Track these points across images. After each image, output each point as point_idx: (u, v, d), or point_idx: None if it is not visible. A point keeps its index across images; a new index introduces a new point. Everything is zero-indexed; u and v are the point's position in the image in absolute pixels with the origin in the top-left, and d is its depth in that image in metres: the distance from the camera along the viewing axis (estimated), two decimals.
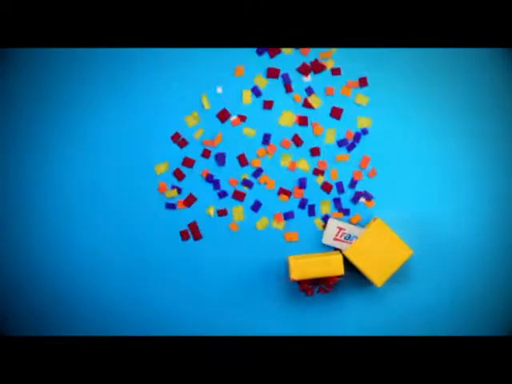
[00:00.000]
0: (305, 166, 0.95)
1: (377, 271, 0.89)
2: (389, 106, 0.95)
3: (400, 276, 0.95)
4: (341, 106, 0.95)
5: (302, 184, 0.95)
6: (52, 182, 0.96)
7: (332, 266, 0.88)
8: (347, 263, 0.93)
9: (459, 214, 0.95)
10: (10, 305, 0.96)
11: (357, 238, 0.90)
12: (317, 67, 0.93)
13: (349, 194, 0.95)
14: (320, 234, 0.95)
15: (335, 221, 0.93)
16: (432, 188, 0.95)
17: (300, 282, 0.92)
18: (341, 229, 0.93)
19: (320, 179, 0.95)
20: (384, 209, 0.95)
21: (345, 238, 0.93)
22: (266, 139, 0.94)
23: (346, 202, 0.95)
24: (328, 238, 0.94)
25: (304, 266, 0.89)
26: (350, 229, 0.93)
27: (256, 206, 0.95)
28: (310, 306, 0.95)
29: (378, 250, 0.89)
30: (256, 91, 0.94)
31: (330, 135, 0.95)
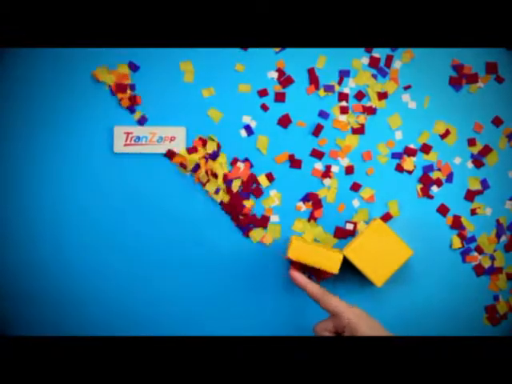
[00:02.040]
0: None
1: (377, 271, 0.89)
2: None
3: (400, 276, 0.95)
4: None
5: None
6: (51, 181, 0.96)
7: (329, 262, 0.88)
8: (348, 263, 0.93)
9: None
10: (10, 305, 0.96)
11: (147, 138, 0.87)
12: None
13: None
14: None
15: (121, 127, 0.93)
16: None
17: (292, 263, 0.92)
18: (128, 133, 0.92)
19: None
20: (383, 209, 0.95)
21: (135, 140, 0.92)
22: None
23: None
24: (118, 147, 0.93)
25: (303, 250, 0.88)
26: (138, 131, 0.92)
27: None
28: (308, 305, 0.95)
29: (378, 250, 0.89)
30: None
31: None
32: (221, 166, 0.92)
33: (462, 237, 0.94)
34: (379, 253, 0.89)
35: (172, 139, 0.95)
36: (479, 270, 0.94)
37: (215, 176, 0.91)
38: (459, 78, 0.94)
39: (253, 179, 0.94)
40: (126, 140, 0.94)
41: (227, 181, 0.93)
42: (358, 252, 0.89)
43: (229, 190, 0.92)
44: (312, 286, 0.80)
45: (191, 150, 0.92)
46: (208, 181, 0.92)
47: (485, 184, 0.94)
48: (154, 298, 0.96)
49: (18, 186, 0.96)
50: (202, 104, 0.95)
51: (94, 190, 0.96)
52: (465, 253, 0.94)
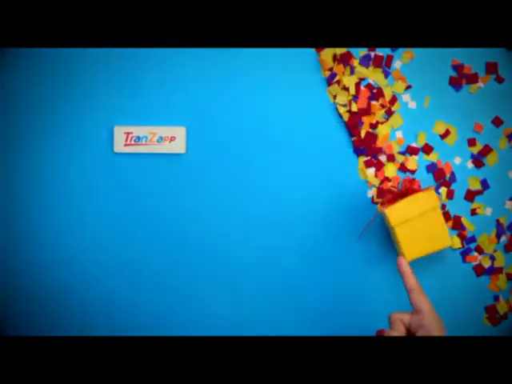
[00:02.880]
0: None
1: (411, 248, 0.89)
2: None
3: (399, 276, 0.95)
4: None
5: None
6: (51, 181, 0.96)
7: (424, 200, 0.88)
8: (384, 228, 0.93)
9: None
10: (9, 305, 0.96)
11: (147, 138, 0.88)
12: None
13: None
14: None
15: (121, 127, 0.93)
16: None
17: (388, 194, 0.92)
18: (128, 133, 0.92)
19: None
20: None
21: (135, 140, 0.92)
22: None
23: None
24: (118, 147, 0.93)
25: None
26: (138, 131, 0.93)
27: None
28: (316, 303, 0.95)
29: (423, 229, 0.89)
30: None
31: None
32: (349, 82, 0.93)
33: (462, 237, 0.94)
34: (422, 231, 0.89)
35: (172, 139, 0.95)
36: (479, 270, 0.94)
37: (346, 90, 0.93)
38: (459, 78, 0.94)
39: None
40: (126, 140, 0.94)
41: (354, 96, 0.94)
42: (404, 226, 0.89)
43: (351, 109, 0.93)
44: (411, 278, 0.81)
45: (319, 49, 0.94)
46: (336, 95, 0.94)
47: (485, 184, 0.94)
48: (156, 299, 0.96)
49: (19, 186, 0.96)
50: (202, 104, 0.95)
51: (94, 189, 0.96)
52: (465, 253, 0.94)
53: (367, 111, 0.93)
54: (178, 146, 0.95)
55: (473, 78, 0.94)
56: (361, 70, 0.94)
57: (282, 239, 0.95)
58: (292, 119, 0.95)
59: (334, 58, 0.94)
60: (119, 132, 0.95)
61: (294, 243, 0.95)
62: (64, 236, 0.96)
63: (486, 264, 0.94)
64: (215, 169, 0.95)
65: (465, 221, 0.94)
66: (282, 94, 0.95)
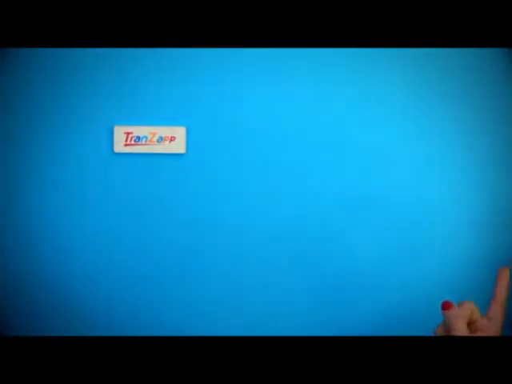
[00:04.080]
0: None
1: None
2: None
3: (400, 275, 0.95)
4: None
5: None
6: (51, 181, 0.96)
7: None
8: None
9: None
10: (9, 305, 0.96)
11: (147, 138, 0.87)
12: None
13: None
14: None
15: (121, 127, 0.92)
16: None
17: None
18: (128, 133, 0.91)
19: None
20: None
21: (135, 140, 0.91)
22: None
23: None
24: (118, 147, 0.93)
25: None
26: (138, 131, 0.92)
27: None
28: None
29: None
30: None
31: None
32: None
33: None
34: None
35: (172, 139, 0.95)
36: None
37: None
38: None
39: None
40: (126, 140, 0.95)
41: None
42: None
43: None
44: (504, 290, 0.82)
45: None
46: None
47: None
48: (155, 298, 0.96)
49: (19, 186, 0.96)
50: (202, 104, 0.95)
51: (94, 189, 0.96)
52: None
53: None
54: (178, 146, 0.95)
55: None
56: None
57: (282, 238, 0.95)
58: (292, 119, 0.95)
59: None
60: (119, 132, 0.95)
61: (293, 242, 0.95)
62: (63, 236, 0.96)
63: None
64: (215, 169, 0.95)
65: None
66: (282, 93, 0.95)
